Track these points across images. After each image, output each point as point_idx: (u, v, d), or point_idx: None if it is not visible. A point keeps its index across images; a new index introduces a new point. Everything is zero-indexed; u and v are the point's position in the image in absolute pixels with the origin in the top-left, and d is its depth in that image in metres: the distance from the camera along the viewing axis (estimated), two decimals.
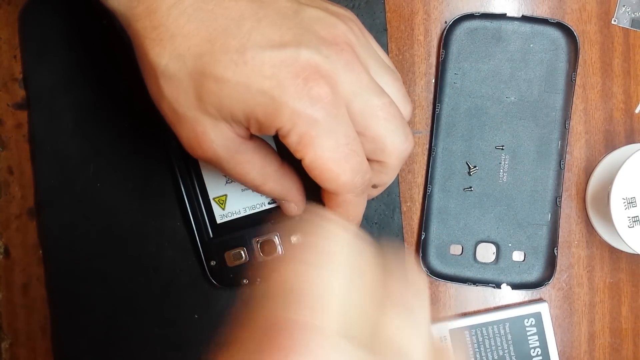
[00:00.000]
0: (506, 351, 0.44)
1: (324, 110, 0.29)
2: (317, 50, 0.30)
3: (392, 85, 0.33)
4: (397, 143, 0.32)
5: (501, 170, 0.44)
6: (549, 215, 0.44)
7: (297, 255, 0.21)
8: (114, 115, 0.44)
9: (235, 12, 0.29)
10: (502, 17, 0.43)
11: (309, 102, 0.29)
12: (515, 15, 0.43)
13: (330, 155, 0.30)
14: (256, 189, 0.35)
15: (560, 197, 0.44)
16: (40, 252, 0.45)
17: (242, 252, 0.43)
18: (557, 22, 0.43)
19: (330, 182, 0.31)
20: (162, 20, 0.29)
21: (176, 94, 0.30)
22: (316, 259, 0.21)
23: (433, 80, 0.44)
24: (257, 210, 0.43)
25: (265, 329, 0.19)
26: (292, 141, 0.30)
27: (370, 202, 0.44)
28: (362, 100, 0.31)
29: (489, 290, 0.45)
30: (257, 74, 0.29)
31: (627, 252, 0.45)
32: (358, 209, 0.34)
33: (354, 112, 0.31)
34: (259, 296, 0.20)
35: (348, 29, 0.31)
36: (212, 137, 0.31)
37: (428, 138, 0.44)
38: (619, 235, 0.40)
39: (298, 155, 0.31)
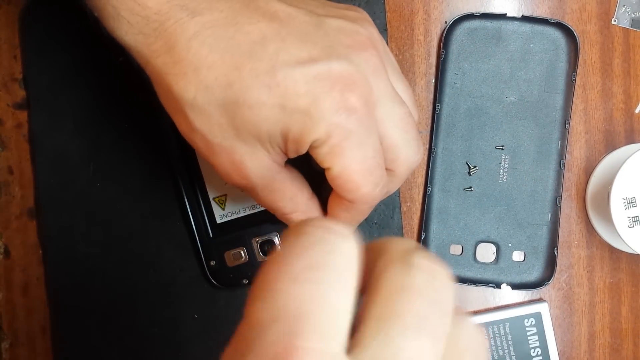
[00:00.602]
0: (506, 351, 0.44)
1: (358, 122, 0.29)
2: (347, 60, 0.29)
3: (405, 93, 0.33)
4: (410, 154, 0.32)
5: (501, 170, 0.44)
6: (549, 215, 0.44)
7: (300, 273, 0.19)
8: (114, 115, 0.44)
9: (256, 35, 0.29)
10: (502, 17, 0.43)
11: (345, 114, 0.29)
12: (515, 15, 0.43)
13: (358, 168, 0.30)
14: (282, 217, 0.34)
15: (560, 197, 0.44)
16: (40, 252, 0.45)
17: (242, 252, 0.43)
18: (557, 22, 0.43)
19: (351, 193, 0.31)
20: (183, 54, 0.29)
21: (209, 126, 0.30)
22: (321, 277, 0.19)
23: (433, 80, 0.44)
24: (257, 210, 0.43)
25: (274, 357, 0.18)
26: (322, 151, 0.30)
27: None
28: (387, 108, 0.31)
29: (489, 290, 0.45)
30: (292, 93, 0.28)
31: (627, 252, 0.45)
32: (364, 216, 0.34)
33: (379, 120, 0.30)
34: (262, 319, 0.18)
35: (369, 32, 0.31)
36: (250, 165, 0.31)
37: (428, 138, 0.44)
38: (619, 235, 0.40)
39: (325, 165, 0.30)
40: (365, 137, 0.30)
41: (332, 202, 0.33)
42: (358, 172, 0.30)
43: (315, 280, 0.19)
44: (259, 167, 0.31)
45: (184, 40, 0.29)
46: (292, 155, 0.31)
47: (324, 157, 0.30)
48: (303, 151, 0.30)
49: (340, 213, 0.33)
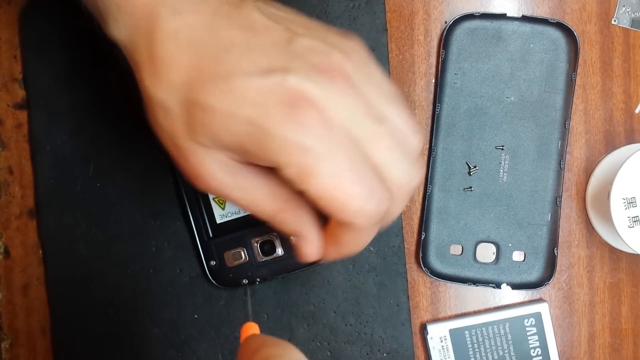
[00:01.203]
0: (506, 351, 0.44)
1: (314, 136, 0.28)
2: (306, 77, 0.28)
3: (397, 116, 0.31)
4: (400, 173, 0.30)
5: (501, 170, 0.44)
6: (549, 215, 0.44)
7: None
8: (114, 116, 0.44)
9: (227, 41, 0.29)
10: (502, 17, 0.43)
11: (296, 129, 0.28)
12: (515, 15, 0.43)
13: (334, 182, 0.28)
14: (271, 220, 0.32)
15: (560, 197, 0.44)
16: (40, 252, 0.45)
17: (241, 252, 0.43)
18: (557, 22, 0.43)
19: (342, 211, 0.29)
20: (158, 52, 0.29)
21: (172, 126, 0.30)
22: None
23: (433, 80, 0.44)
24: None
25: None
26: (291, 174, 0.28)
27: None
28: (360, 127, 0.29)
29: (489, 290, 0.45)
30: (243, 101, 0.28)
31: (627, 252, 0.45)
32: (368, 240, 0.31)
33: (353, 140, 0.29)
34: None
35: (345, 57, 0.30)
36: (210, 166, 0.30)
37: (428, 138, 0.44)
38: (619, 236, 0.40)
39: (302, 189, 0.29)
40: (331, 151, 0.28)
41: (332, 233, 0.32)
42: (336, 187, 0.28)
43: None
44: (221, 166, 0.30)
45: (161, 39, 0.29)
46: (253, 163, 0.30)
47: (296, 181, 0.29)
48: (265, 164, 0.29)
49: (341, 237, 0.31)
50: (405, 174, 0.31)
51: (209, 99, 0.28)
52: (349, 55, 0.30)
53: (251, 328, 0.33)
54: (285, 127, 0.28)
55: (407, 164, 0.31)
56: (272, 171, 0.30)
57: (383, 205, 0.30)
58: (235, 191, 0.31)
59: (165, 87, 0.29)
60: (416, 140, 0.32)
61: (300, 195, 0.31)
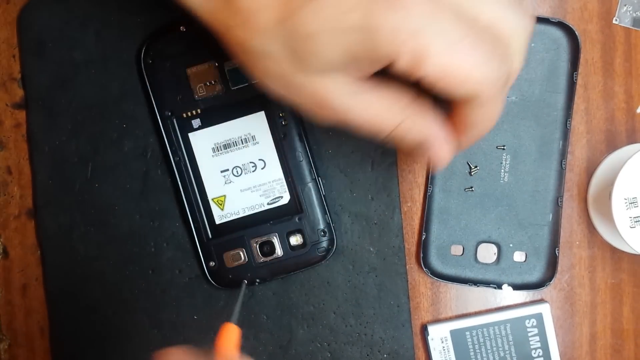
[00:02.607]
0: (507, 352, 0.44)
1: (419, 17, 0.27)
2: None
3: None
4: (511, 24, 0.29)
5: (502, 170, 0.44)
6: (550, 215, 0.43)
7: None
8: (113, 115, 0.44)
9: None
10: None
11: (400, 15, 0.27)
12: None
13: (450, 56, 0.27)
14: (397, 135, 0.31)
15: (562, 197, 0.43)
16: (39, 252, 0.45)
17: (241, 253, 0.43)
18: (558, 21, 0.43)
19: (465, 85, 0.28)
20: (239, 4, 0.28)
21: (281, 68, 0.29)
22: None
23: None
24: (256, 210, 0.43)
25: None
26: (405, 64, 0.27)
27: (370, 202, 0.44)
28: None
29: (490, 291, 0.45)
30: (340, 11, 0.27)
31: (628, 253, 0.44)
32: (499, 110, 0.30)
33: (456, 8, 0.28)
34: None
35: None
36: (332, 90, 0.29)
37: None
38: (621, 236, 0.39)
39: (419, 76, 0.28)
40: (438, 25, 0.27)
41: (457, 116, 0.30)
42: (454, 60, 0.27)
43: None
44: (342, 88, 0.29)
45: None
46: (370, 72, 0.29)
47: (412, 70, 0.27)
48: (380, 67, 0.28)
49: (470, 118, 0.30)
50: (516, 25, 0.29)
51: (308, 26, 0.28)
52: None
53: (231, 330, 0.33)
54: (390, 17, 0.27)
55: (515, 14, 0.29)
56: (388, 81, 0.30)
57: (504, 66, 0.29)
58: (359, 111, 0.30)
59: (261, 34, 0.29)
60: None
61: (421, 97, 0.30)
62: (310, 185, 0.42)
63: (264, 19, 0.28)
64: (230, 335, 0.32)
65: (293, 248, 0.43)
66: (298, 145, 0.42)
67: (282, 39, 0.28)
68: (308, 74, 0.29)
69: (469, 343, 0.44)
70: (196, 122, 0.43)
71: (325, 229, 0.43)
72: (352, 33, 0.27)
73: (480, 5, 0.28)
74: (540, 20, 0.43)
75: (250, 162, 0.43)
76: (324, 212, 0.43)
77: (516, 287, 0.44)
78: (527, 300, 0.45)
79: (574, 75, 0.43)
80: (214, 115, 0.43)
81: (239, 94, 0.42)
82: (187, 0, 0.30)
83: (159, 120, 0.43)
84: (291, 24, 0.28)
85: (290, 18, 0.28)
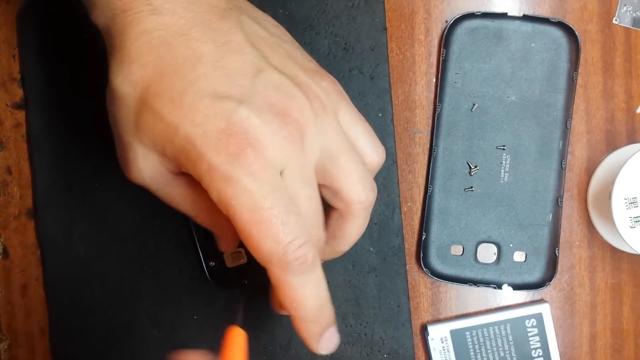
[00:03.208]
0: (507, 352, 0.44)
1: (242, 170, 0.28)
2: (257, 113, 0.28)
3: (354, 163, 0.32)
4: (356, 191, 0.32)
5: (502, 170, 0.44)
6: (550, 215, 0.43)
7: None
8: None
9: (196, 53, 0.29)
10: (503, 16, 0.43)
11: (226, 159, 0.28)
12: (517, 14, 0.43)
13: (249, 218, 0.28)
14: (196, 219, 0.34)
15: (562, 197, 0.43)
16: (39, 252, 0.45)
17: (241, 252, 0.43)
18: (558, 21, 0.43)
19: (253, 249, 0.29)
20: (128, 44, 0.29)
21: (121, 116, 0.30)
22: None
23: (434, 80, 0.44)
24: None
25: None
26: (213, 197, 0.29)
27: None
28: (293, 178, 0.29)
29: (490, 291, 0.45)
30: (189, 119, 0.28)
31: (628, 253, 0.44)
32: (304, 292, 0.31)
33: (283, 185, 0.29)
34: None
35: (308, 105, 0.30)
36: (142, 166, 0.31)
37: (429, 138, 0.44)
38: (621, 236, 0.39)
39: (222, 211, 0.29)
40: (254, 187, 0.28)
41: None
42: (251, 223, 0.28)
43: None
44: (151, 170, 0.31)
45: (134, 33, 0.29)
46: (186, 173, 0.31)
47: (218, 205, 0.29)
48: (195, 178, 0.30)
49: (280, 294, 0.30)
50: (360, 191, 0.32)
51: (161, 107, 0.29)
52: (315, 99, 0.30)
53: (237, 334, 0.33)
54: (218, 154, 0.28)
55: (365, 182, 0.32)
56: (197, 182, 0.31)
57: (306, 251, 0.29)
58: (158, 192, 0.33)
59: (126, 80, 0.30)
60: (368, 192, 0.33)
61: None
62: None
63: (136, 70, 0.30)
64: (238, 340, 0.32)
65: None
66: None
67: (138, 97, 0.30)
68: (134, 139, 0.31)
69: (469, 343, 0.44)
70: None
71: None
72: (185, 141, 0.29)
73: (304, 200, 0.30)
74: (540, 20, 0.43)
75: None
76: None
77: (516, 287, 0.44)
78: (527, 300, 0.45)
79: (574, 75, 0.43)
80: None
81: None
82: (96, 18, 0.31)
83: None
84: (151, 93, 0.29)
85: (154, 88, 0.29)
